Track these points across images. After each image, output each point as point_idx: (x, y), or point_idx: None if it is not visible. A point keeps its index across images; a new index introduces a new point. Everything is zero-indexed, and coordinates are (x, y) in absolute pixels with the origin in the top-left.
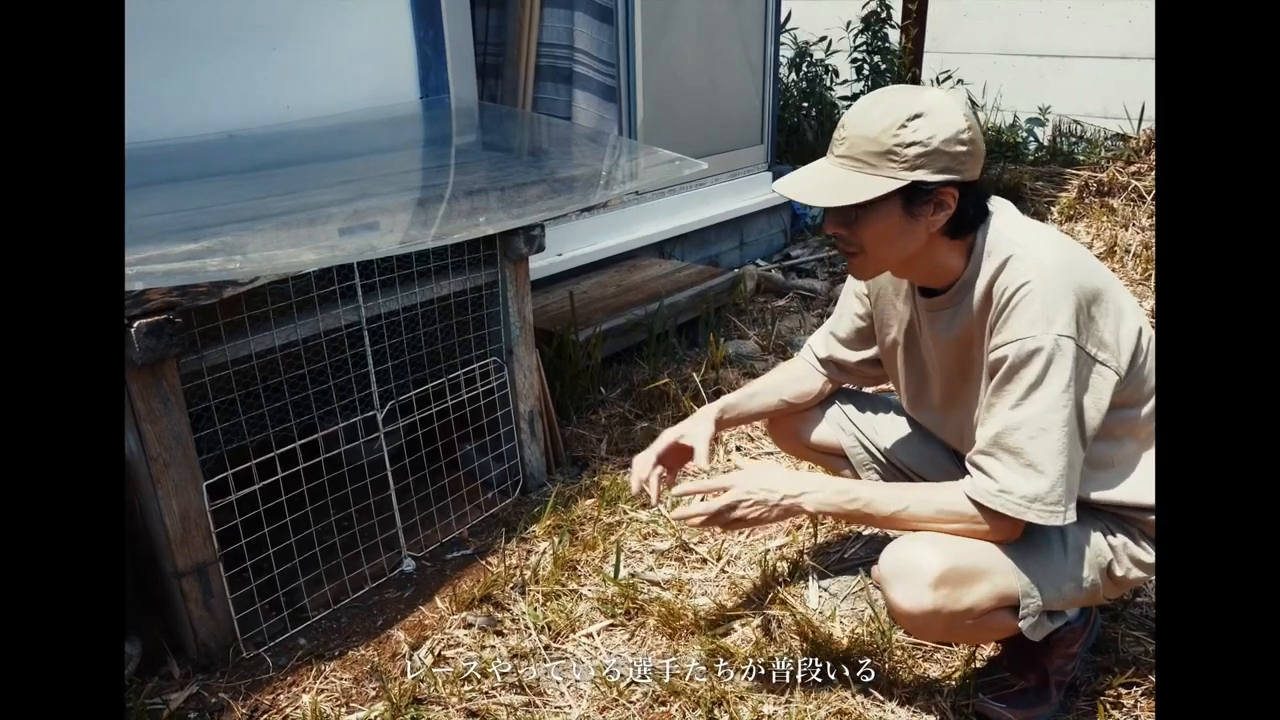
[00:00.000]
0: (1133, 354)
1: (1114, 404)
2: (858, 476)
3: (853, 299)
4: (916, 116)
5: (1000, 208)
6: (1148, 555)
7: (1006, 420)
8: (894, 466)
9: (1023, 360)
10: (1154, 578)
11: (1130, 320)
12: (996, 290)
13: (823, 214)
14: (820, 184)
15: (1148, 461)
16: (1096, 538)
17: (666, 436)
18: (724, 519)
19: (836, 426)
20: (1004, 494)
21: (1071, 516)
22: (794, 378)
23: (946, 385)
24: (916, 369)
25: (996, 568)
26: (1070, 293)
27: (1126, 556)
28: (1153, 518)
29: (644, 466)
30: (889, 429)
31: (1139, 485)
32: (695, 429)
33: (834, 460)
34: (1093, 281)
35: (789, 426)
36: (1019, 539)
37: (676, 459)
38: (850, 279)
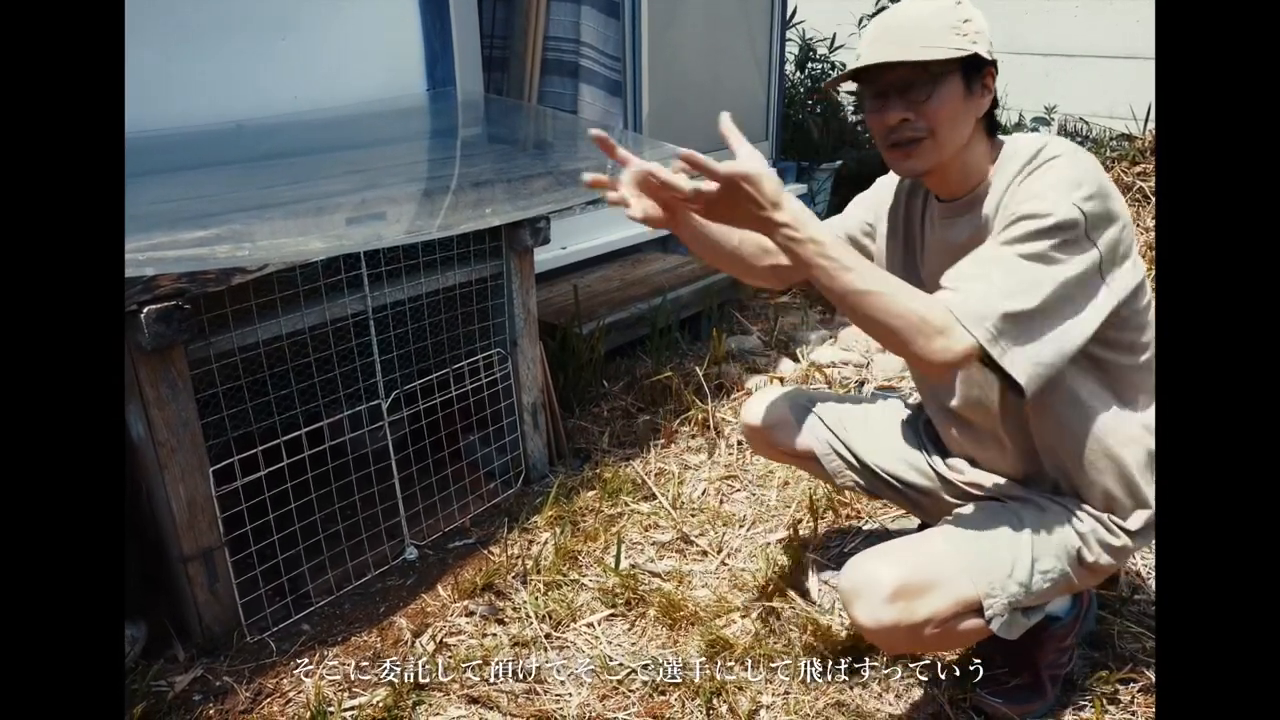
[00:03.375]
0: (1125, 272)
1: (1110, 338)
2: (832, 483)
3: (860, 208)
4: (958, 3)
5: None
6: (1117, 539)
7: (995, 251)
8: (870, 471)
9: (1032, 216)
10: (1150, 571)
11: (1132, 259)
12: (1025, 172)
13: (875, 105)
14: (897, 50)
15: (1137, 413)
16: (1060, 528)
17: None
18: (727, 187)
19: (810, 433)
20: (958, 295)
21: (1017, 359)
22: None
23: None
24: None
25: (950, 576)
26: (1097, 180)
27: (1096, 542)
28: (1130, 498)
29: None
30: (865, 433)
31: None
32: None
33: (811, 464)
34: (1118, 203)
35: (765, 435)
36: (969, 539)
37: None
38: (861, 197)
